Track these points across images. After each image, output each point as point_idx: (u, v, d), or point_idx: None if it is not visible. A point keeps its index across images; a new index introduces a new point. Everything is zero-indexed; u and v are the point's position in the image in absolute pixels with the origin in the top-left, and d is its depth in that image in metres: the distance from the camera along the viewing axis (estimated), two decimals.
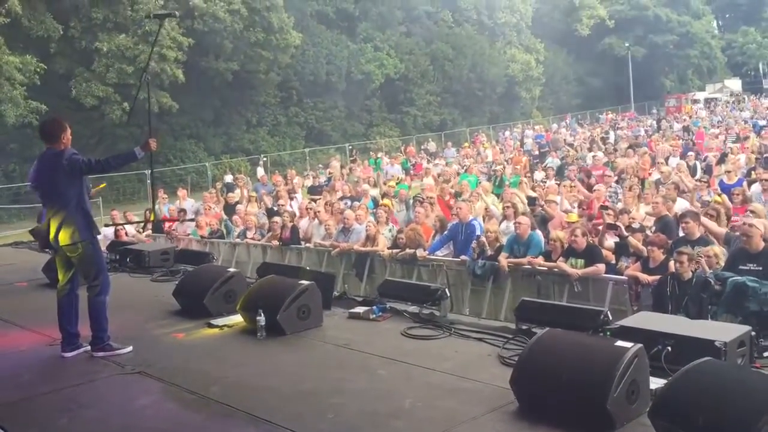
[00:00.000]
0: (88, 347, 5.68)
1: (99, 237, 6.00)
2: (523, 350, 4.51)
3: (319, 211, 12.81)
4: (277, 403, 4.51)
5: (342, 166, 29.40)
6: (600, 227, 9.56)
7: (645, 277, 7.74)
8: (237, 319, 6.42)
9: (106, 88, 29.14)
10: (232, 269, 7.18)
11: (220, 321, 6.45)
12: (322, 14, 41.02)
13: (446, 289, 6.42)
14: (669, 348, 4.44)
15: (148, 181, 29.80)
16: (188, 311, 6.81)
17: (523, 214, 10.26)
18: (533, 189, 14.33)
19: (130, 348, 5.65)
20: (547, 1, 54.44)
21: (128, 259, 8.92)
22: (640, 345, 4.00)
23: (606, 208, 9.72)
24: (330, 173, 24.34)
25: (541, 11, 53.82)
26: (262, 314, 5.93)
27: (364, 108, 43.25)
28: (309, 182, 25.12)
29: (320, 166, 32.91)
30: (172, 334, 6.23)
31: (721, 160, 17.28)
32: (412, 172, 25.22)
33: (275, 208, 14.75)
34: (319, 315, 6.25)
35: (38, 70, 26.69)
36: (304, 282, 6.20)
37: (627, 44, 52.34)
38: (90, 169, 5.51)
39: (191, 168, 33.40)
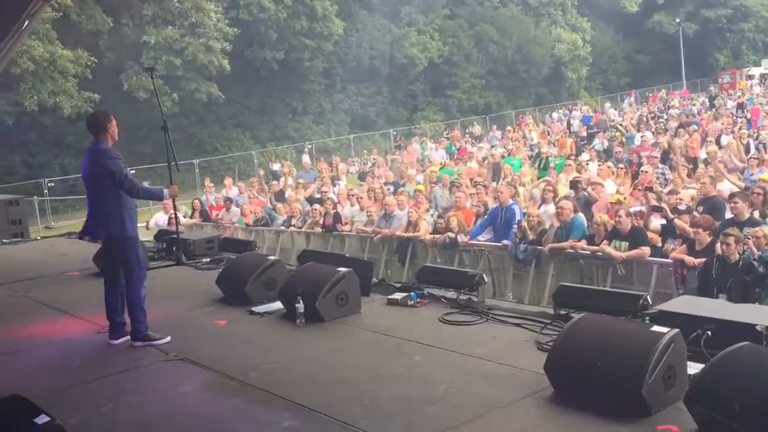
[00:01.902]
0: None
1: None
2: (558, 335, 4.47)
3: (361, 197, 12.86)
4: (313, 389, 4.57)
5: (386, 152, 29.49)
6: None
7: (691, 260, 7.57)
8: (277, 306, 6.51)
9: (155, 81, 29.61)
10: (272, 257, 7.29)
11: (261, 308, 6.56)
12: (364, 0, 40.91)
13: (484, 275, 6.38)
14: (709, 333, 4.36)
15: (196, 171, 30.51)
16: (230, 299, 6.94)
17: (566, 197, 10.10)
18: (579, 171, 14.09)
19: (168, 338, 5.79)
20: None
21: (174, 248, 9.10)
22: (676, 330, 3.93)
23: (650, 189, 9.50)
24: (374, 159, 24.43)
25: None
26: (301, 301, 6.01)
27: (408, 93, 43.09)
28: (354, 168, 25.26)
29: (365, 152, 33.06)
30: (214, 322, 6.36)
31: None
32: (456, 156, 25.04)
33: (319, 195, 14.86)
34: (357, 302, 6.30)
35: (89, 63, 27.35)
36: (342, 269, 6.24)
37: (677, 20, 50.74)
38: (122, 184, 5.64)
39: (238, 156, 33.88)
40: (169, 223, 13.59)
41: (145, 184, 6.03)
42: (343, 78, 39.96)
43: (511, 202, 10.36)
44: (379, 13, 41.70)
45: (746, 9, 53.59)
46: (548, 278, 9.20)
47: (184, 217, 15.63)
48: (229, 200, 15.73)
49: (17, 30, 11.31)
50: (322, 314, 6.02)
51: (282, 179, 19.55)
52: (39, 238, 13.56)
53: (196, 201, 16.28)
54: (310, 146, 33.72)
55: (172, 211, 14.18)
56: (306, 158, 30.01)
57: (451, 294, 6.42)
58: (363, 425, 3.95)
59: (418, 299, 6.43)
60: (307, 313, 6.01)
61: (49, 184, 27.01)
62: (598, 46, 51.46)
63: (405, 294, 6.51)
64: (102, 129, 5.76)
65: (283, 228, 13.78)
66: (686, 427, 3.60)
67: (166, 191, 6.11)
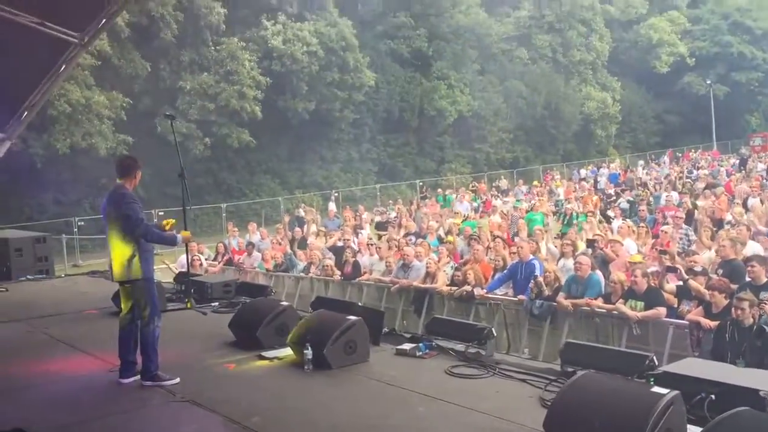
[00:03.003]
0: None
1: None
2: (558, 393, 4.46)
3: (380, 247, 12.95)
4: None
5: (411, 202, 29.65)
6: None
7: (706, 322, 7.49)
8: (287, 352, 6.56)
9: (188, 125, 30.40)
10: (284, 302, 7.36)
11: (271, 353, 6.61)
12: (397, 53, 41.74)
13: (492, 329, 6.38)
14: (712, 396, 4.31)
15: (223, 215, 30.95)
16: (242, 343, 7.00)
17: (584, 253, 10.09)
18: (601, 229, 14.06)
19: (177, 380, 5.85)
20: (624, 38, 53.69)
21: (192, 290, 9.22)
22: (676, 392, 3.91)
23: (665, 252, 9.46)
24: (398, 210, 24.58)
25: (618, 49, 53.13)
26: (310, 348, 6.05)
27: (436, 144, 43.55)
28: (378, 218, 25.43)
29: (390, 202, 33.27)
30: (224, 365, 6.41)
31: None
32: (481, 209, 25.11)
33: (341, 244, 14.98)
34: (365, 350, 6.32)
35: (124, 105, 28.13)
36: (352, 317, 6.29)
37: (708, 82, 50.83)
38: (136, 229, 5.80)
39: (266, 202, 34.29)
40: (191, 266, 13.86)
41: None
42: (372, 128, 40.56)
43: (531, 257, 10.35)
44: (411, 67, 42.42)
45: None
46: (563, 335, 9.12)
47: (207, 259, 15.88)
48: (251, 245, 15.94)
49: (54, 74, 11.74)
50: (330, 361, 6.05)
51: (306, 226, 19.75)
52: (63, 275, 13.80)
53: (220, 244, 16.53)
54: (336, 194, 34.08)
55: (196, 254, 14.57)
56: (332, 206, 30.29)
57: (460, 347, 6.41)
58: None
59: (427, 350, 6.44)
60: (316, 360, 6.04)
61: (78, 223, 27.52)
62: (628, 104, 51.68)
63: (414, 345, 6.53)
64: (128, 173, 5.97)
65: (302, 274, 13.88)
66: None
67: (179, 237, 6.25)
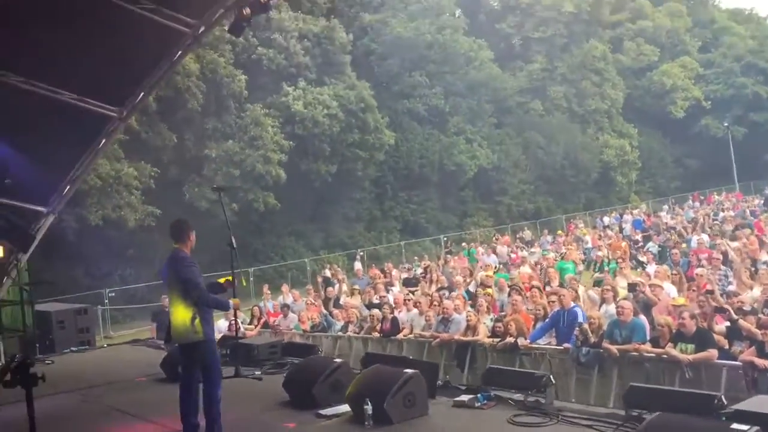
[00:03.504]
0: None
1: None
2: None
3: (419, 302, 12.98)
4: None
5: (438, 257, 29.70)
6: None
7: (761, 362, 7.44)
8: (345, 408, 6.59)
9: (215, 191, 30.82)
10: (338, 359, 7.40)
11: (328, 411, 6.64)
12: (414, 112, 42.36)
13: (551, 376, 6.38)
14: None
15: (251, 279, 31.12)
16: (298, 402, 7.05)
17: (624, 298, 10.07)
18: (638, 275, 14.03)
19: None
20: (637, 86, 54.11)
21: (239, 353, 9.30)
22: (757, 427, 3.90)
23: (711, 292, 9.42)
24: (425, 265, 24.64)
25: (632, 96, 53.49)
26: (369, 403, 6.08)
27: (457, 199, 43.74)
28: (405, 275, 25.48)
29: (415, 258, 33.27)
30: (284, 424, 6.44)
31: None
32: (509, 261, 25.07)
33: (376, 301, 15.03)
34: (424, 403, 6.34)
35: (153, 174, 28.69)
36: (409, 371, 6.33)
37: (725, 124, 50.93)
38: (192, 292, 5.95)
39: (291, 264, 34.42)
40: (229, 329, 13.98)
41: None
42: (393, 186, 40.90)
43: (572, 304, 10.34)
44: (428, 124, 43.00)
45: None
46: (613, 381, 9.05)
47: (242, 323, 15.94)
48: (286, 307, 16.00)
49: (94, 148, 12.12)
50: (391, 416, 6.07)
51: (337, 286, 19.82)
52: (105, 345, 13.93)
53: (255, 308, 16.61)
54: (362, 253, 34.19)
55: (233, 318, 14.65)
56: (358, 265, 30.39)
57: (517, 396, 6.40)
58: None
59: (485, 401, 6.44)
60: (376, 416, 6.06)
61: (110, 295, 27.78)
62: (647, 150, 51.76)
63: (472, 396, 6.54)
64: (182, 237, 6.16)
65: (340, 333, 13.90)
66: None
67: (231, 303, 6.45)
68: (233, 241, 7.28)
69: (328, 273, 26.62)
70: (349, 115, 35.57)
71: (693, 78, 53.61)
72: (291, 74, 35.62)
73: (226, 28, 11.24)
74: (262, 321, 15.82)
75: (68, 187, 12.09)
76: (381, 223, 40.56)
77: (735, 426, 3.97)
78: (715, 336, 8.41)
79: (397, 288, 19.20)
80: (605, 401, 8.88)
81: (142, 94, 11.71)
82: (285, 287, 19.55)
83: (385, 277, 21.01)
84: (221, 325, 15.13)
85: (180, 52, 11.41)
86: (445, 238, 38.96)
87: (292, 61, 35.41)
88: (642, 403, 5.47)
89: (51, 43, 9.80)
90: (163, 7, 10.45)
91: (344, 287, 19.45)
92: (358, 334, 13.50)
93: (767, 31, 58.31)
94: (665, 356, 8.50)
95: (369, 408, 6.05)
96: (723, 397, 5.10)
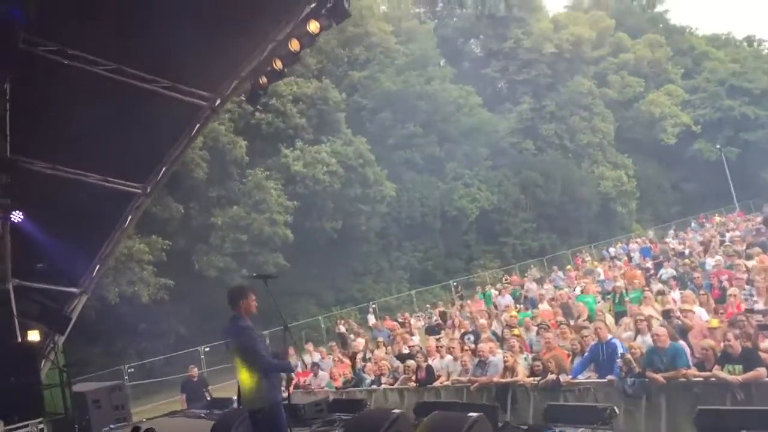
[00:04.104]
0: None
1: None
2: None
3: (452, 348, 12.98)
4: None
5: (452, 303, 29.71)
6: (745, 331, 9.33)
7: None
8: None
9: (224, 258, 31.01)
10: (396, 410, 7.44)
11: None
12: (411, 162, 42.94)
13: (615, 408, 6.43)
14: None
15: (267, 342, 30.96)
16: None
17: (660, 325, 10.14)
18: (662, 302, 14.08)
19: None
20: (626, 117, 55.01)
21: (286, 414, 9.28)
22: None
23: (751, 311, 9.52)
24: (439, 312, 24.71)
25: (622, 127, 54.35)
26: None
27: (462, 243, 44.03)
28: (420, 323, 25.51)
29: (427, 306, 33.27)
30: None
31: None
32: (522, 301, 25.07)
33: (405, 351, 15.01)
34: None
35: (164, 247, 28.86)
36: (474, 414, 6.38)
37: (718, 146, 51.66)
38: (254, 360, 6.05)
39: (304, 324, 34.32)
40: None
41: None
42: (398, 236, 41.21)
43: (609, 336, 10.39)
44: (426, 172, 43.51)
45: None
46: (662, 409, 9.03)
47: None
48: (316, 365, 15.97)
49: (122, 225, 12.30)
50: None
51: (359, 340, 19.80)
52: (144, 420, 13.83)
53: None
54: (374, 306, 34.17)
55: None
56: (372, 318, 30.35)
57: (581, 430, 6.44)
58: None
59: None
60: None
61: (129, 370, 27.63)
62: (644, 179, 52.34)
63: None
64: (236, 303, 6.28)
65: (374, 387, 13.84)
66: None
67: (294, 367, 6.52)
68: (287, 324, 7.36)
69: (342, 328, 26.61)
70: (349, 171, 36.06)
71: (680, 104, 54.68)
72: (289, 136, 36.28)
73: (243, 97, 11.48)
74: (293, 382, 15.71)
75: (98, 266, 12.22)
76: (389, 273, 40.69)
77: None
78: (762, 354, 8.46)
79: (417, 337, 19.20)
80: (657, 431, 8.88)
81: (164, 168, 11.95)
82: (310, 346, 19.54)
83: (403, 327, 20.99)
84: None
85: (198, 126, 11.71)
86: (455, 283, 39.07)
87: (289, 123, 36.10)
88: (713, 425, 5.52)
89: (73, 127, 10.08)
90: (179, 84, 10.79)
91: (364, 341, 19.45)
92: (392, 385, 13.45)
93: (746, 53, 59.52)
94: (713, 379, 8.52)
95: None
96: None
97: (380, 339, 18.42)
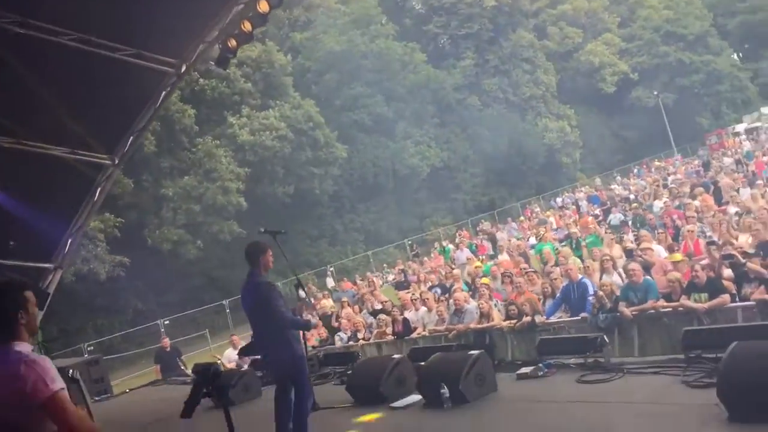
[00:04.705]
0: None
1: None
2: (718, 366, 4.93)
3: (427, 299, 13.36)
4: None
5: (408, 261, 30.25)
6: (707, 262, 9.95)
7: None
8: (416, 398, 6.93)
9: (177, 231, 30.65)
10: (397, 355, 7.74)
11: (401, 403, 6.98)
12: (360, 123, 42.88)
13: (605, 336, 6.86)
14: None
15: (227, 311, 31.16)
16: (365, 401, 7.35)
17: (631, 261, 10.70)
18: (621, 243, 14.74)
19: None
20: (567, 68, 55.91)
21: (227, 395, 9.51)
22: None
23: (713, 243, 10.12)
24: (400, 269, 25.23)
25: (563, 78, 55.24)
26: (445, 387, 6.44)
27: (414, 202, 44.43)
28: (379, 282, 25.97)
29: (384, 265, 33.80)
30: (367, 420, 6.74)
31: None
32: (478, 253, 25.67)
33: (378, 307, 15.35)
34: (493, 380, 6.75)
35: (116, 224, 28.36)
36: (475, 352, 6.73)
37: (655, 92, 53.13)
38: (279, 321, 6.19)
39: None
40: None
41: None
42: (351, 198, 41.36)
43: (580, 277, 10.90)
44: (376, 132, 43.58)
45: (718, 72, 56.20)
46: (634, 341, 9.60)
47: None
48: None
49: (91, 200, 12.16)
50: (467, 395, 6.44)
51: (323, 301, 20.09)
52: (127, 390, 13.86)
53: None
54: (332, 269, 34.42)
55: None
56: (330, 281, 30.65)
57: (574, 360, 6.86)
58: None
59: (547, 369, 6.88)
60: (453, 397, 6.43)
61: (88, 348, 27.34)
62: (585, 128, 53.44)
63: (533, 367, 6.96)
64: (254, 260, 6.38)
65: (351, 343, 14.16)
66: None
67: (312, 321, 6.68)
68: (300, 280, 7.43)
69: (302, 293, 26.79)
70: (299, 135, 35.89)
71: (618, 53, 55.73)
72: (235, 102, 35.72)
73: (212, 62, 11.41)
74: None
75: (70, 240, 12.10)
76: (343, 236, 40.91)
77: None
78: (725, 282, 9.06)
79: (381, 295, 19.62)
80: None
81: (131, 138, 11.83)
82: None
83: (369, 286, 21.35)
84: (231, 354, 15.32)
85: (165, 93, 11.60)
86: (409, 242, 39.62)
87: (234, 88, 35.51)
88: (699, 343, 5.99)
89: (37, 99, 9.91)
90: (144, 51, 10.66)
91: (331, 302, 19.79)
92: (368, 340, 13.79)
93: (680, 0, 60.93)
94: (681, 308, 9.09)
95: (446, 391, 6.41)
96: None
97: (345, 299, 18.73)
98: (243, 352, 6.58)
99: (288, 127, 35.32)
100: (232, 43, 10.39)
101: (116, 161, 11.89)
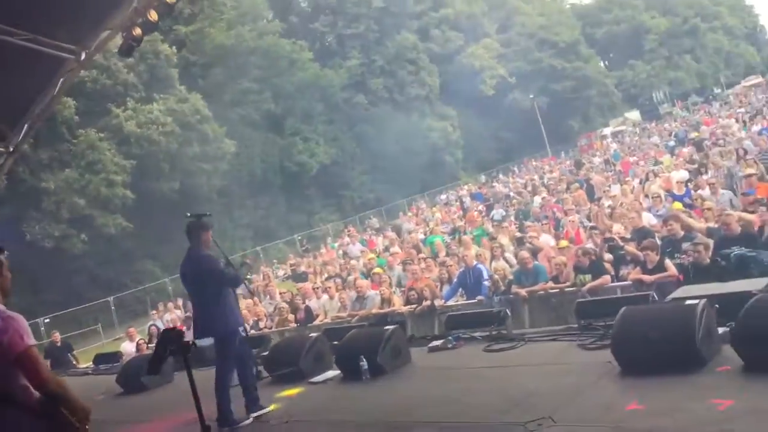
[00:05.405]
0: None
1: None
2: (613, 327, 5.59)
3: (329, 287, 13.78)
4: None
5: (302, 256, 30.50)
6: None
7: (648, 278, 9.07)
8: (333, 373, 7.34)
9: (59, 226, 29.34)
10: (314, 334, 8.10)
11: (319, 378, 7.36)
12: (248, 119, 42.56)
13: (507, 310, 7.54)
14: (717, 306, 5.68)
15: (112, 308, 30.18)
16: (284, 378, 7.66)
17: (523, 249, 11.60)
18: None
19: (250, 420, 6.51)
20: (449, 71, 57.69)
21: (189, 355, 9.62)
22: (704, 299, 5.24)
23: (595, 228, 11.15)
24: (293, 264, 25.54)
25: (446, 80, 56.98)
26: (364, 360, 6.88)
27: (303, 198, 44.63)
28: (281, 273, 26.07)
29: (274, 261, 33.77)
30: (287, 396, 7.08)
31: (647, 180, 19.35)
32: (368, 247, 26.32)
33: (278, 299, 15.59)
34: (407, 353, 7.26)
35: None
36: (390, 326, 7.22)
37: (531, 96, 55.97)
38: (222, 279, 6.49)
39: (150, 288, 33.50)
40: (138, 350, 14.11)
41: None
42: (240, 194, 40.94)
43: (475, 263, 11.67)
44: (264, 128, 43.40)
45: (587, 78, 60.01)
46: (525, 320, 10.45)
47: (145, 343, 15.86)
48: (189, 319, 16.07)
49: None
50: (385, 367, 6.91)
51: None
52: None
53: (153, 327, 16.46)
54: None
55: (139, 339, 14.70)
56: None
57: (479, 333, 7.50)
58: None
59: (456, 341, 7.47)
60: (371, 369, 6.88)
61: None
62: (466, 129, 55.43)
63: (443, 340, 7.53)
64: (195, 234, 6.61)
65: (253, 332, 14.32)
66: (736, 365, 4.84)
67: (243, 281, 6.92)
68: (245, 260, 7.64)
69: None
70: (186, 129, 35.17)
71: (496, 57, 58.18)
72: (118, 93, 34.48)
73: (116, 50, 11.25)
74: None
75: None
76: (232, 232, 40.40)
77: (689, 302, 5.27)
78: (605, 265, 10.05)
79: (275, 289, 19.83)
80: None
81: (26, 126, 11.47)
82: (170, 304, 19.51)
83: (263, 280, 21.48)
84: (127, 347, 15.09)
85: (63, 80, 11.33)
86: (299, 237, 39.79)
87: (116, 80, 34.28)
88: (591, 312, 6.75)
89: None
90: (41, 36, 10.40)
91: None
92: (271, 329, 14.02)
93: (552, 8, 64.49)
94: (567, 289, 10.02)
95: (365, 364, 6.84)
96: (654, 294, 6.49)
97: (240, 292, 18.74)
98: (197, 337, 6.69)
99: (174, 121, 34.48)
100: (137, 31, 10.33)
101: (11, 149, 11.49)
